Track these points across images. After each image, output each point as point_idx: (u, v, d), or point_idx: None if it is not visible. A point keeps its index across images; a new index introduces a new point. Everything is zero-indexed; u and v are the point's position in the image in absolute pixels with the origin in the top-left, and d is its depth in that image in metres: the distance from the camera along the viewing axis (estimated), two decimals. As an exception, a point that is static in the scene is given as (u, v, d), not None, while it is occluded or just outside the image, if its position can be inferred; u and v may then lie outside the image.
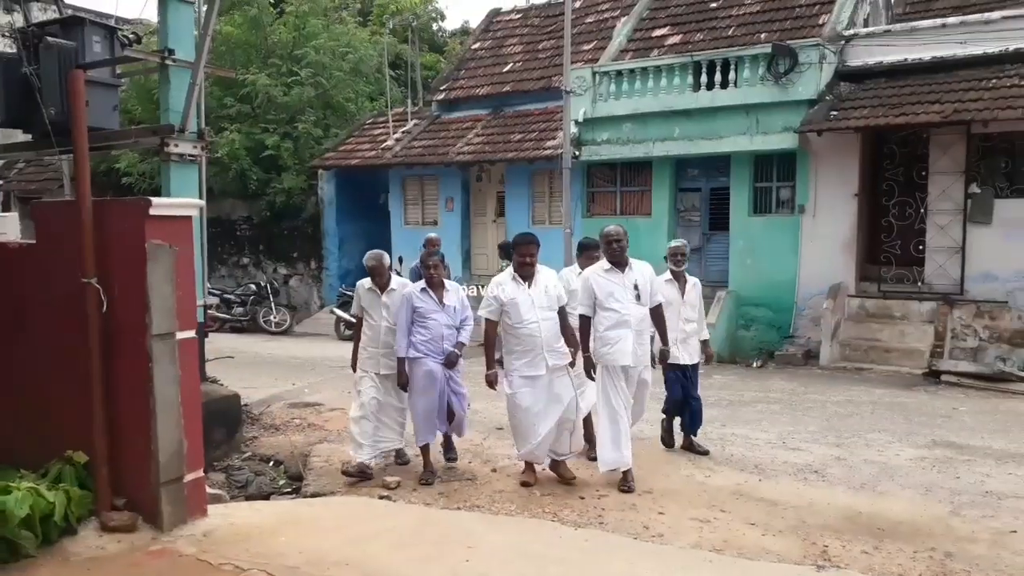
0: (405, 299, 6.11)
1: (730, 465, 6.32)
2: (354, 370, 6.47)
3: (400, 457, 6.52)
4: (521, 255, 5.78)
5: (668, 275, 6.51)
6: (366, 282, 6.40)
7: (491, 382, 5.82)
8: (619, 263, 5.84)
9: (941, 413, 8.51)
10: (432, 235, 9.41)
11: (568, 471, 5.90)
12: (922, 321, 11.38)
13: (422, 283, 6.21)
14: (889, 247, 12.36)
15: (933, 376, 10.32)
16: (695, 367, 6.66)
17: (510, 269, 5.91)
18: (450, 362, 6.03)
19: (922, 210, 11.95)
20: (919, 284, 11.80)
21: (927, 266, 11.74)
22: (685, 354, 6.53)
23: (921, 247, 11.87)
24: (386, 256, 6.46)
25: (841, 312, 11.90)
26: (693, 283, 6.65)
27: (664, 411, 6.70)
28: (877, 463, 6.46)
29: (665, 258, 6.66)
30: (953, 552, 4.66)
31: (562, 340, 5.76)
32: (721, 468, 6.23)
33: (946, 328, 11.00)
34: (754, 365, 11.96)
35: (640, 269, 5.92)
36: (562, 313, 5.84)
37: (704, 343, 6.75)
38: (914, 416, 8.29)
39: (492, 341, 5.87)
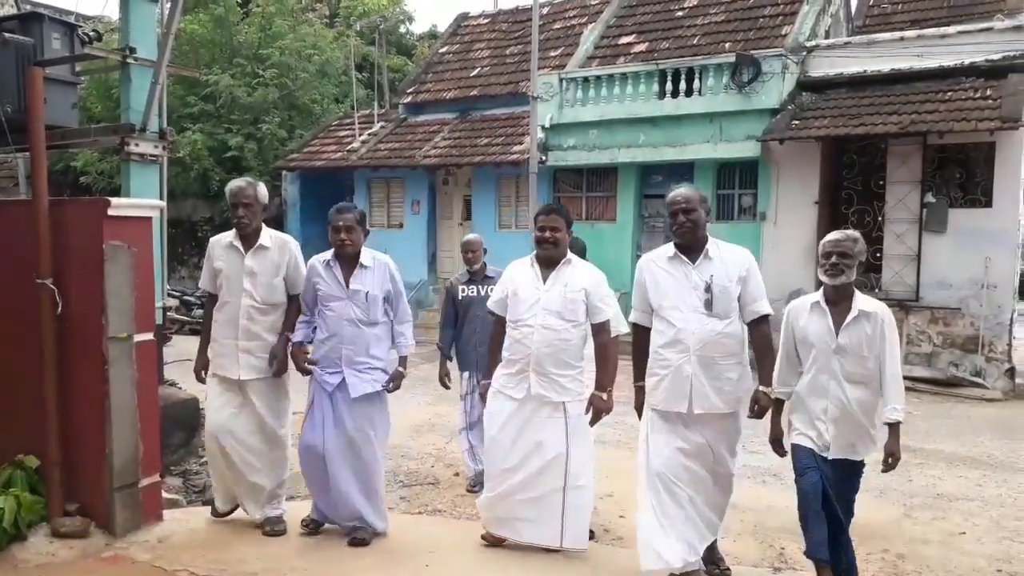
0: (308, 270, 4.49)
1: (691, 469, 6.37)
2: (199, 377, 4.55)
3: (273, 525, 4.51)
4: (540, 228, 4.23)
5: (818, 296, 3.83)
6: (224, 237, 4.49)
7: (484, 396, 4.50)
8: (688, 247, 3.89)
9: (896, 418, 8.68)
10: (471, 236, 6.05)
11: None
12: (879, 327, 11.61)
13: (330, 254, 4.45)
14: (848, 254, 12.58)
15: (889, 381, 10.54)
16: (851, 468, 3.78)
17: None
18: (394, 385, 4.46)
19: (880, 218, 12.21)
20: (876, 291, 12.03)
21: (884, 273, 11.99)
22: (832, 438, 3.71)
23: (878, 254, 12.12)
24: (262, 188, 4.50)
25: (801, 318, 12.09)
26: (868, 313, 3.69)
27: (806, 553, 3.81)
28: (834, 467, 6.57)
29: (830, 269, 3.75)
30: (905, 553, 4.77)
31: (569, 369, 4.15)
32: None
33: (902, 334, 11.24)
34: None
35: (726, 260, 3.87)
36: (599, 334, 4.19)
37: (891, 430, 3.70)
38: (870, 420, 8.45)
39: (496, 343, 4.44)
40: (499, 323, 4.41)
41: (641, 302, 4.02)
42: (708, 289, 3.80)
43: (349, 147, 17.16)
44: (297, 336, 4.47)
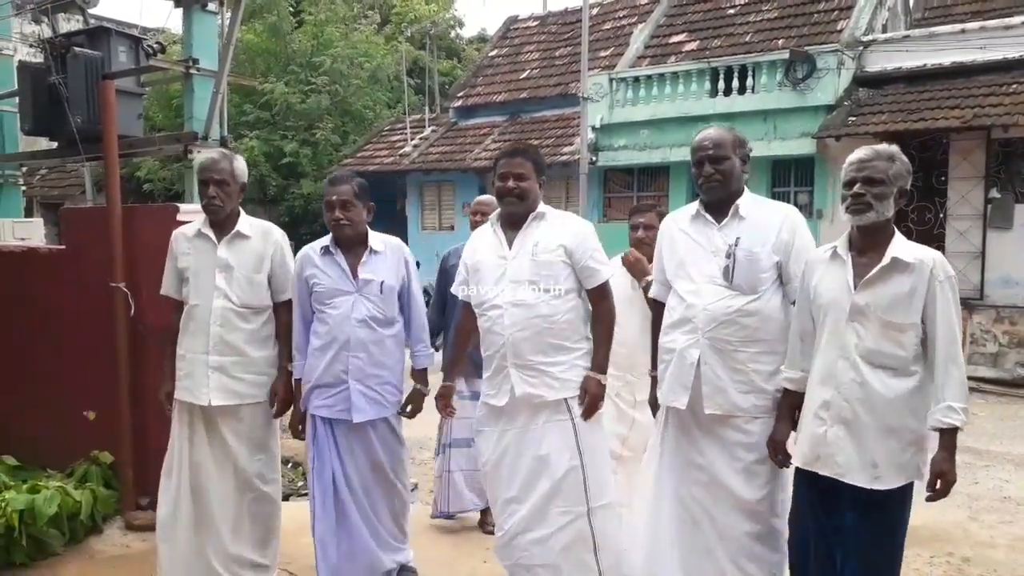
0: (299, 263, 3.47)
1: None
2: (168, 403, 3.60)
3: None
4: (501, 177, 3.15)
5: (841, 242, 2.78)
6: (190, 227, 3.53)
7: (442, 401, 3.43)
8: (716, 204, 2.99)
9: (960, 419, 8.46)
10: (484, 196, 4.73)
11: None
12: (941, 327, 11.34)
13: (326, 239, 3.47)
14: (908, 252, 12.33)
15: (953, 382, 10.29)
16: (872, 504, 2.67)
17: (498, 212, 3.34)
18: (413, 408, 3.55)
19: (941, 215, 11.91)
20: (938, 290, 11.75)
21: (946, 271, 11.69)
22: (834, 450, 2.63)
23: (941, 252, 11.81)
24: (240, 162, 3.52)
25: (859, 318, 11.87)
26: (908, 263, 2.70)
27: None
28: (895, 469, 6.44)
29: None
30: (971, 557, 4.65)
31: (562, 354, 3.09)
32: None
33: (966, 333, 10.94)
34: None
35: (763, 221, 2.94)
36: (600, 301, 3.14)
37: (942, 440, 2.59)
38: (933, 422, 8.25)
39: (461, 336, 3.49)
40: (467, 310, 3.37)
41: (659, 272, 3.16)
42: (730, 254, 2.88)
43: (401, 151, 17.39)
44: (297, 371, 3.48)
